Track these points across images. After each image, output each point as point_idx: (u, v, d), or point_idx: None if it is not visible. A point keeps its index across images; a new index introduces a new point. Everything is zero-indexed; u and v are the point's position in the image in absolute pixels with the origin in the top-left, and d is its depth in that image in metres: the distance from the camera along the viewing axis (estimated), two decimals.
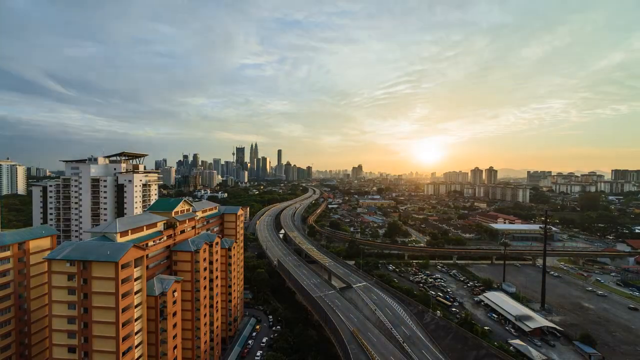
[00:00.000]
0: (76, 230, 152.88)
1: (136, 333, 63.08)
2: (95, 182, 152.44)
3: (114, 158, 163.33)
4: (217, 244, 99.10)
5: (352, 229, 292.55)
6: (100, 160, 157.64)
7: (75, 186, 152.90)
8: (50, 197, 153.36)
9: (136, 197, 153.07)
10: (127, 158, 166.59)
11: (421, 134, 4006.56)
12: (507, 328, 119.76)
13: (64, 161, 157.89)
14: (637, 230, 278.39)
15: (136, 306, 63.08)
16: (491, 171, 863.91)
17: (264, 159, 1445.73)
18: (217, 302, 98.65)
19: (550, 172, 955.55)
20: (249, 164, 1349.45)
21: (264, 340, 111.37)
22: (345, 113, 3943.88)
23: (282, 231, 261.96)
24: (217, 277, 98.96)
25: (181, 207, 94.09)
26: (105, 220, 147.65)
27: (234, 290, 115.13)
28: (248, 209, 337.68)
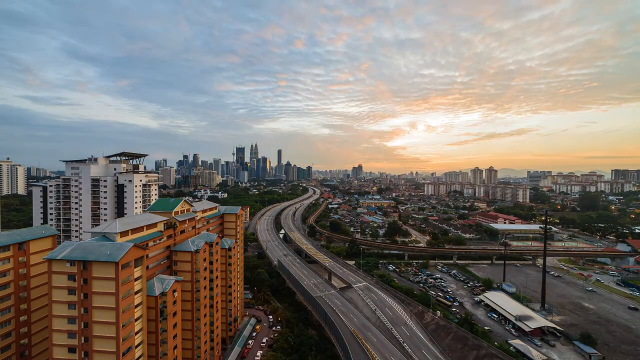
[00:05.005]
0: (76, 230, 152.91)
1: (136, 333, 63.04)
2: (95, 182, 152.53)
3: (114, 158, 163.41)
4: (217, 244, 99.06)
5: (352, 229, 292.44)
6: (101, 161, 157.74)
7: (75, 186, 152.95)
8: (50, 197, 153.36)
9: (136, 197, 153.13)
10: (127, 158, 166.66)
11: (423, 134, 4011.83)
12: (507, 328, 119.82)
13: (64, 161, 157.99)
14: (637, 230, 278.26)
15: (136, 306, 63.05)
16: (491, 171, 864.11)
17: (264, 159, 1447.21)
18: (217, 302, 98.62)
19: (550, 172, 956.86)
20: (249, 164, 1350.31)
21: (264, 340, 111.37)
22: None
23: (282, 231, 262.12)
24: (217, 277, 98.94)
25: (181, 207, 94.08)
26: (105, 220, 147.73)
27: (234, 290, 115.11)
28: (248, 209, 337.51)
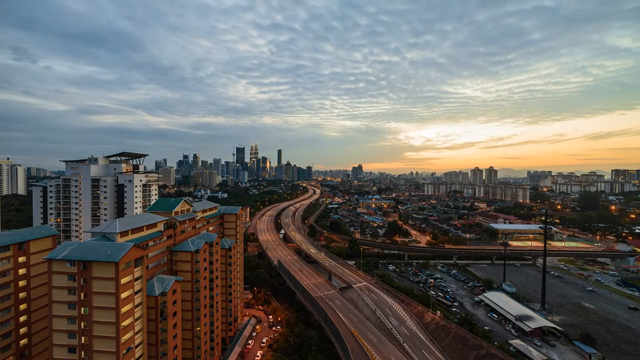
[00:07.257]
0: (76, 231, 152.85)
1: (136, 333, 63.04)
2: (95, 182, 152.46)
3: (114, 158, 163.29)
4: (217, 244, 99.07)
5: (352, 229, 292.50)
6: (101, 161, 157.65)
7: (75, 186, 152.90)
8: (50, 197, 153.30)
9: (136, 197, 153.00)
10: (127, 158, 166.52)
11: (425, 137, 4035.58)
12: (507, 328, 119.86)
13: (64, 161, 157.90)
14: (637, 230, 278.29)
15: (136, 306, 63.05)
16: (491, 171, 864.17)
17: (264, 159, 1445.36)
18: (217, 302, 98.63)
19: (550, 172, 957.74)
20: (249, 164, 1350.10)
21: (264, 340, 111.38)
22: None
23: (282, 231, 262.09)
24: (217, 277, 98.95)
25: (181, 207, 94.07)
26: (105, 220, 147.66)
27: (234, 290, 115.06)
28: (248, 209, 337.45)
